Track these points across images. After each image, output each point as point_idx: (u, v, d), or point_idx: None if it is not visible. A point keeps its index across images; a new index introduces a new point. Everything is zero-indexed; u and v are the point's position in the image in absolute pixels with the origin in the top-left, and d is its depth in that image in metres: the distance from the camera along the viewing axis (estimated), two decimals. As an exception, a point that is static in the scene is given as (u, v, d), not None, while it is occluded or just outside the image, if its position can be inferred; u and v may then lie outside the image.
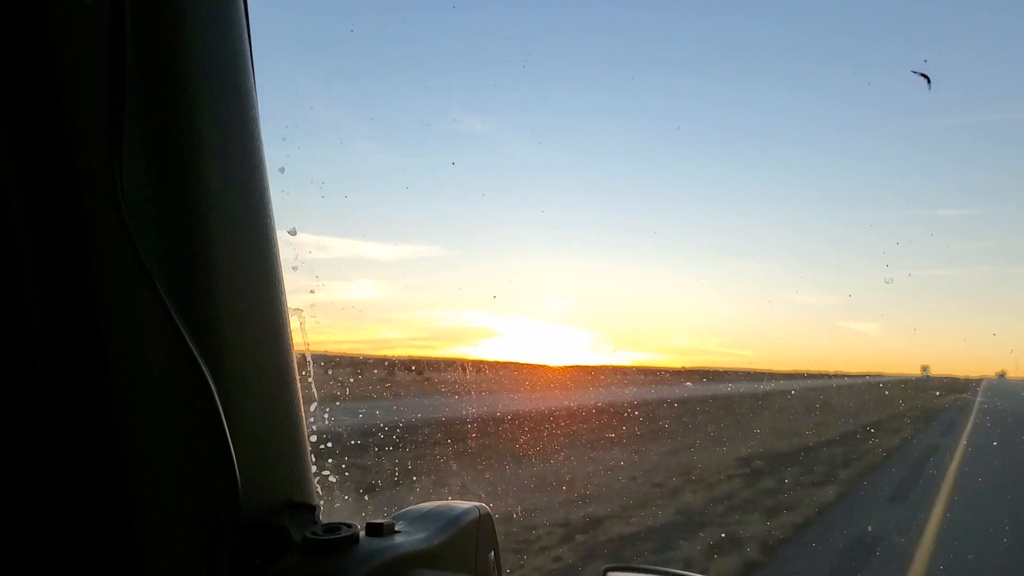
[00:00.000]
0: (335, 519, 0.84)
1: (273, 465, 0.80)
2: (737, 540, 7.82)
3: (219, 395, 0.71)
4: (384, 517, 0.88)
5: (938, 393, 38.44)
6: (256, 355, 0.78)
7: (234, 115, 0.77)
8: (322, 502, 0.96)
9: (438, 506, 0.97)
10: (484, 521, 0.99)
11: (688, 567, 6.68)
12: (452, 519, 0.92)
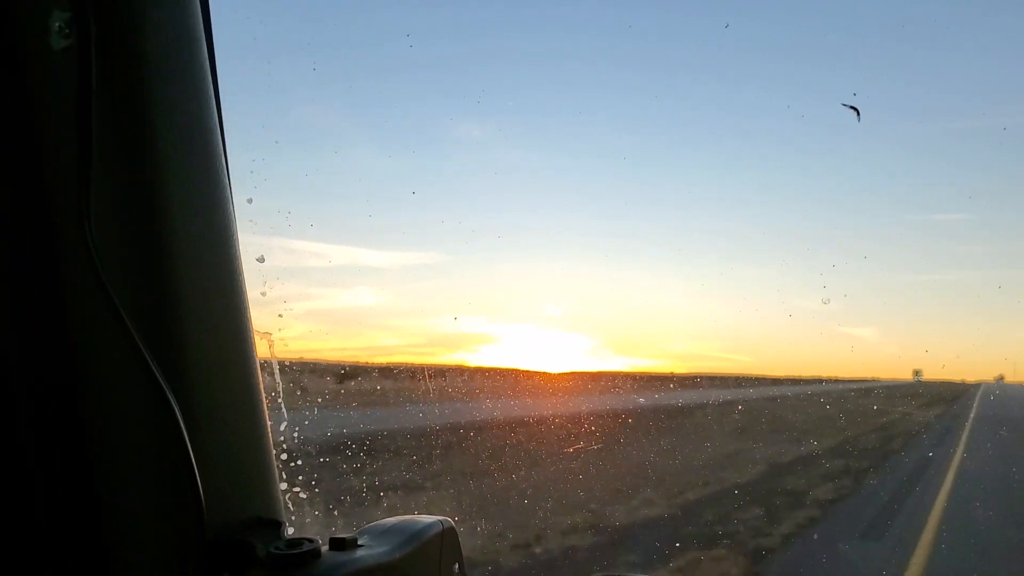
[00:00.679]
0: (302, 534, 0.88)
1: (239, 483, 0.84)
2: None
3: (184, 418, 0.74)
4: (349, 532, 0.91)
5: (923, 403, 30.62)
6: (221, 379, 0.82)
7: (199, 152, 0.81)
8: (294, 517, 0.99)
9: (402, 520, 0.99)
10: (448, 534, 1.02)
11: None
12: (415, 533, 0.95)
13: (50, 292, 0.75)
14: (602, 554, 7.01)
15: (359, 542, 0.87)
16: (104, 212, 0.73)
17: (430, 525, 0.99)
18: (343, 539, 0.84)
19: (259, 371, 0.89)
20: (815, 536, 7.93)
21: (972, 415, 24.77)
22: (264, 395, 0.91)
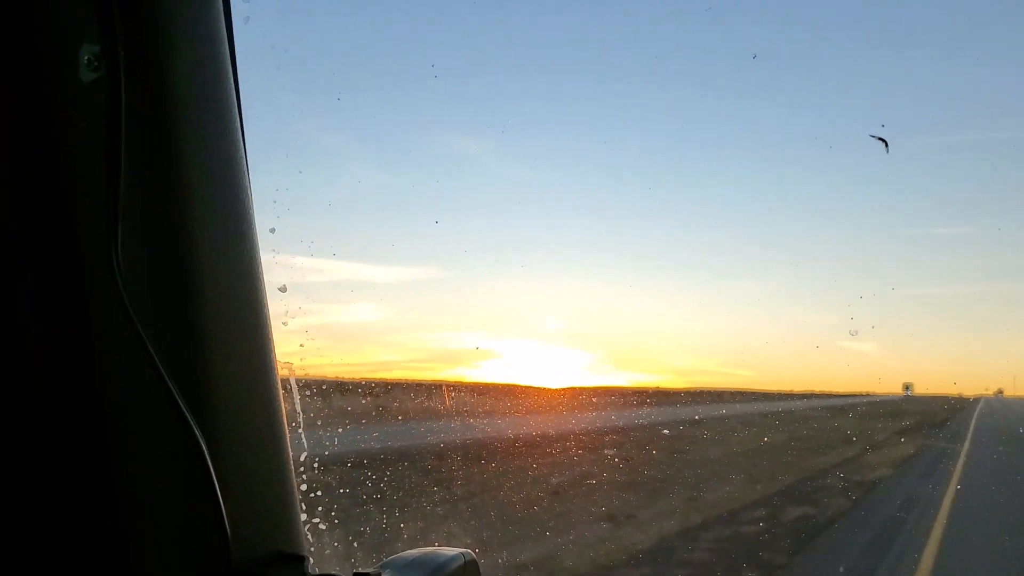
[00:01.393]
0: (324, 569, 0.86)
1: (263, 517, 0.83)
2: None
3: (209, 452, 0.74)
4: (372, 566, 0.90)
5: (900, 429, 23.40)
6: (246, 410, 0.81)
7: (226, 184, 0.81)
8: (312, 548, 0.98)
9: (424, 553, 0.98)
10: (470, 568, 1.00)
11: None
12: (438, 566, 0.94)
13: (77, 322, 0.75)
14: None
15: None
16: (132, 243, 0.73)
17: (453, 558, 0.98)
18: (367, 574, 0.83)
19: (283, 403, 0.89)
20: None
21: (960, 464, 15.19)
22: (287, 426, 0.90)
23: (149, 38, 0.74)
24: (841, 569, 7.36)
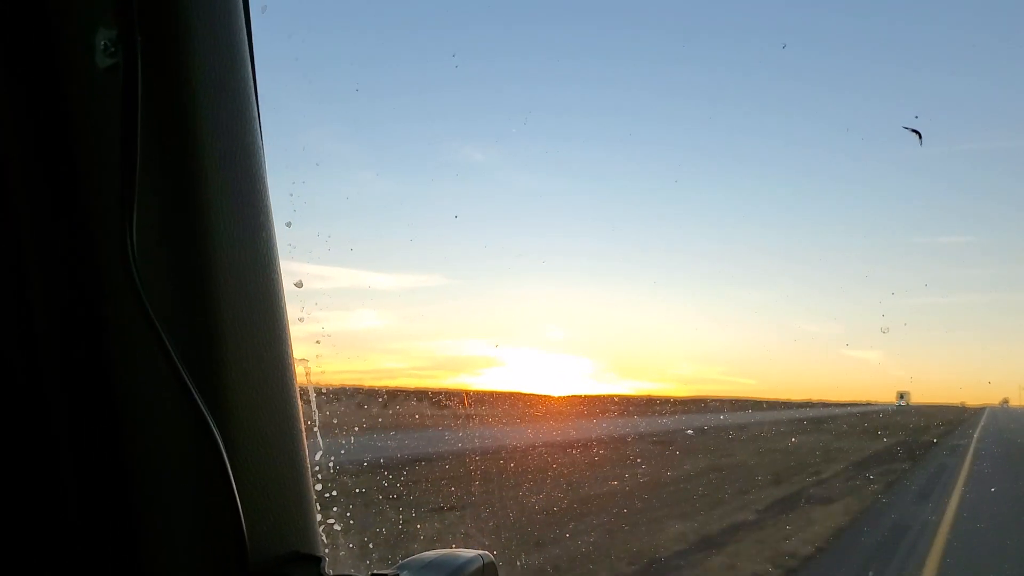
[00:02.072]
0: (340, 570, 0.85)
1: (279, 517, 0.81)
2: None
3: (226, 449, 0.72)
4: (389, 567, 0.88)
5: (884, 445, 18.79)
6: (262, 408, 0.80)
7: (242, 175, 0.80)
8: (327, 550, 0.96)
9: (442, 555, 0.97)
10: (488, 570, 0.99)
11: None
12: (456, 569, 0.93)
13: (92, 316, 0.74)
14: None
15: None
16: (147, 232, 0.71)
17: (471, 560, 0.96)
18: (384, 575, 0.81)
19: (299, 400, 0.87)
20: None
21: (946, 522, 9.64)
22: (303, 425, 0.88)
23: (166, 23, 0.73)
24: None
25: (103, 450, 0.73)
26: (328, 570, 0.84)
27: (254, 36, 0.89)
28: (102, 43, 0.71)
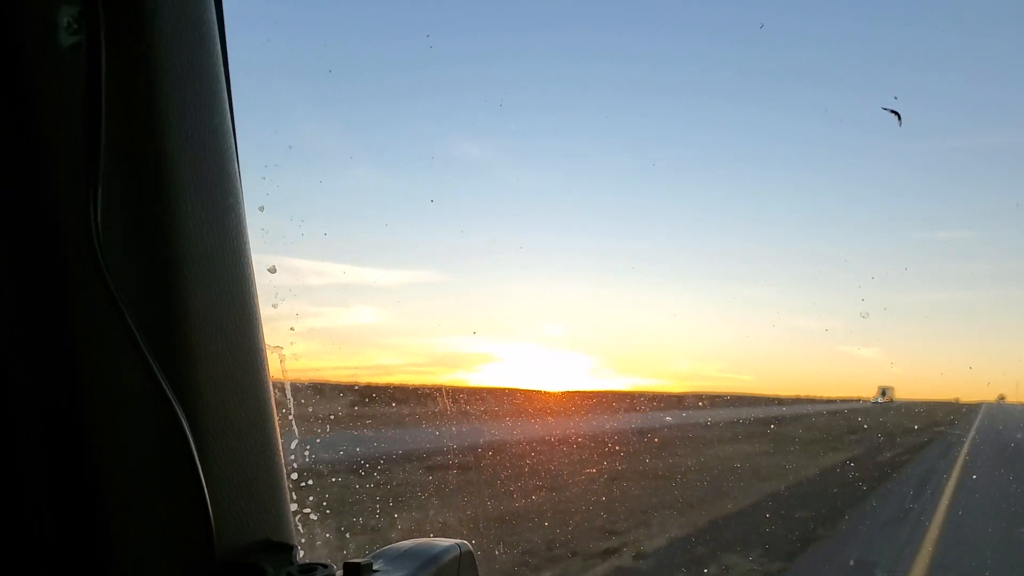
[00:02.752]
0: (314, 558, 0.84)
1: (250, 505, 0.80)
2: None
3: (193, 436, 0.71)
4: (363, 556, 0.88)
5: (828, 464, 14.90)
6: (233, 395, 0.78)
7: (211, 156, 0.78)
8: (303, 540, 0.95)
9: (418, 544, 0.96)
10: (465, 558, 0.98)
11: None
12: (432, 557, 0.92)
13: (55, 301, 0.72)
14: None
15: (374, 567, 0.84)
16: (112, 216, 0.70)
17: (447, 549, 0.95)
18: (358, 564, 0.81)
19: (271, 386, 0.86)
20: None
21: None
22: (276, 412, 0.87)
23: (132, 0, 0.71)
24: None
25: (66, 438, 0.72)
26: (302, 559, 0.83)
27: (225, 15, 0.87)
28: (65, 20, 0.69)
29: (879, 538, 8.76)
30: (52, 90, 0.71)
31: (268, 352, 0.87)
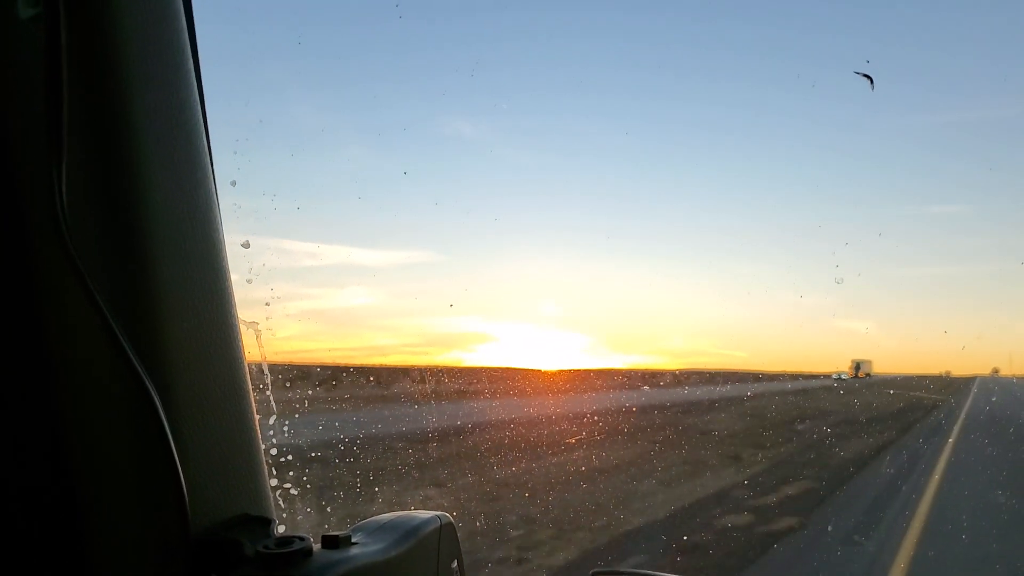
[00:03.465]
0: (293, 532, 0.84)
1: (226, 480, 0.80)
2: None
3: (166, 411, 0.70)
4: (342, 529, 0.88)
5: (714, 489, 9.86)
6: (205, 369, 0.78)
7: (178, 130, 0.77)
8: (284, 515, 0.95)
9: (398, 516, 0.96)
10: (446, 530, 0.99)
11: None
12: (411, 529, 0.92)
13: (21, 278, 0.71)
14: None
15: (353, 540, 0.84)
16: (77, 192, 0.68)
17: (427, 521, 0.96)
18: (336, 537, 0.81)
19: (245, 361, 0.85)
20: None
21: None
22: (251, 387, 0.87)
23: None
24: None
25: (37, 417, 0.71)
26: (280, 532, 0.84)
27: None
28: None
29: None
30: (10, 64, 0.69)
31: (243, 328, 0.87)
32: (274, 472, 0.94)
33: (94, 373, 0.71)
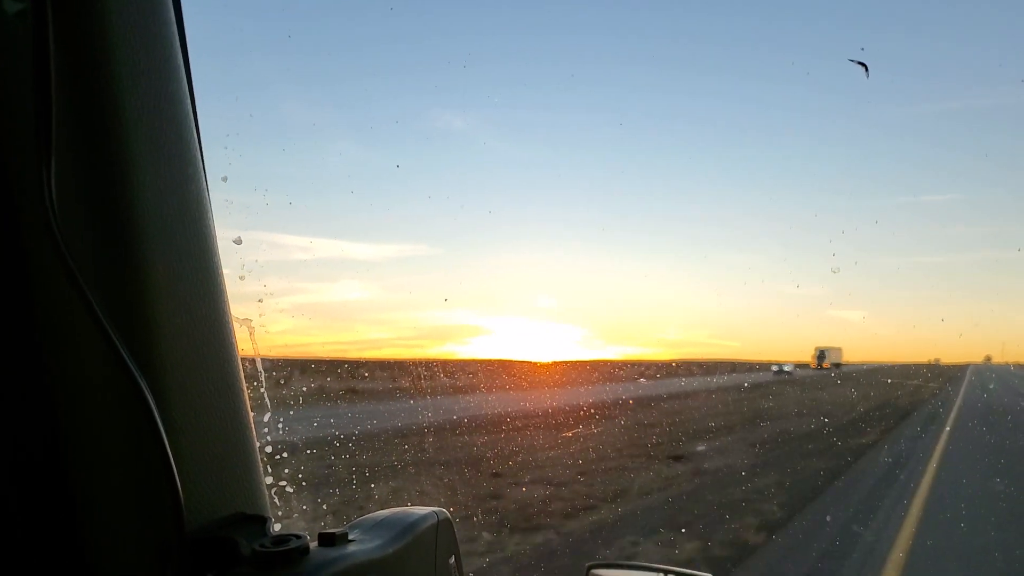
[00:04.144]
0: (290, 530, 0.83)
1: (221, 478, 0.79)
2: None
3: (159, 409, 0.70)
4: (340, 527, 0.87)
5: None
6: (199, 367, 0.77)
7: (168, 125, 0.76)
8: (280, 512, 0.94)
9: (394, 513, 0.96)
10: (443, 526, 0.98)
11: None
12: (409, 526, 0.92)
13: (11, 274, 0.70)
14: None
15: (350, 537, 0.83)
16: (67, 189, 0.67)
17: (424, 517, 0.95)
18: (332, 534, 0.80)
19: (239, 358, 0.85)
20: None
21: None
22: (245, 384, 0.86)
23: None
24: None
25: (30, 415, 0.70)
26: (275, 530, 0.83)
27: None
28: None
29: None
30: None
31: (236, 325, 0.86)
32: (269, 470, 0.93)
33: (86, 371, 0.71)
